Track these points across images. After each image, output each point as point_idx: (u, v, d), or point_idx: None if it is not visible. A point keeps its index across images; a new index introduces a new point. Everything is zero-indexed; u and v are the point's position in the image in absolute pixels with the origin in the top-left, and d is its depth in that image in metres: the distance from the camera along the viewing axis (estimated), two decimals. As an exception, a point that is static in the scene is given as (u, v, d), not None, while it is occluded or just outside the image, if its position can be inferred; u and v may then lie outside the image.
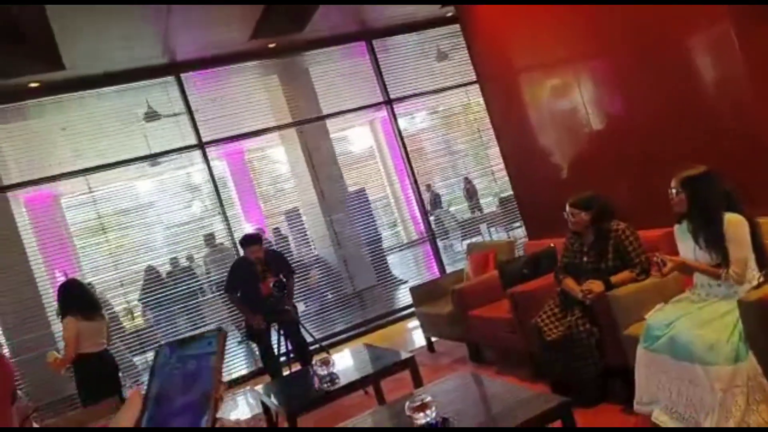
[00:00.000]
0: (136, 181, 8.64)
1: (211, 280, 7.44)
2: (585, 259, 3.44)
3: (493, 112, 5.62)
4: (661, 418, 2.70)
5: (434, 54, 7.71)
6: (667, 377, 2.68)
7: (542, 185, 5.22)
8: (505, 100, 5.42)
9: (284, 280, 5.00)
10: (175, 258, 7.49)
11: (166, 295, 6.86)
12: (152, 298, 6.92)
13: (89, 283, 6.32)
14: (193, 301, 6.99)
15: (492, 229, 9.04)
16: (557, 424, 2.37)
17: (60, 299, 4.35)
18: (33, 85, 5.61)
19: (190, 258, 8.33)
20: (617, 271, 3.30)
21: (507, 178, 5.98)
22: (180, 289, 6.92)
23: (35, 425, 3.59)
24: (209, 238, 7.35)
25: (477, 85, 5.96)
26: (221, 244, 7.33)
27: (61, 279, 7.37)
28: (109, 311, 6.43)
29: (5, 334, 5.87)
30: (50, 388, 5.88)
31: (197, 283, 7.32)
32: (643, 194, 4.21)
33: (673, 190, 2.87)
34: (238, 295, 5.10)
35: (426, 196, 7.85)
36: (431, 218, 7.98)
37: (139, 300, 7.13)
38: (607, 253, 3.36)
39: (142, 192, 9.01)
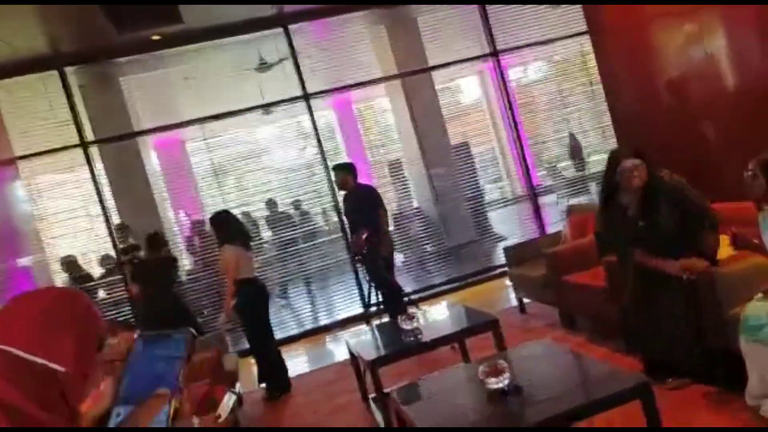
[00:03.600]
0: (251, 128, 9.11)
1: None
2: (640, 223, 3.04)
3: (602, 64, 5.19)
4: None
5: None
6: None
7: (652, 146, 4.78)
8: (617, 50, 4.96)
9: (365, 236, 5.02)
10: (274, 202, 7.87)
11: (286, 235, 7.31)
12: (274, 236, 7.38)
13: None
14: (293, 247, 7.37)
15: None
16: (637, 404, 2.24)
17: (220, 228, 4.72)
18: (155, 38, 6.01)
19: (297, 203, 8.75)
20: (680, 231, 2.93)
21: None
22: (282, 233, 7.33)
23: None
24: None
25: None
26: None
27: (185, 219, 8.08)
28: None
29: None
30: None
31: (299, 229, 7.70)
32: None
33: (750, 173, 2.51)
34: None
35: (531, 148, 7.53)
36: (537, 174, 7.67)
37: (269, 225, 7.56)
38: (658, 211, 2.96)
39: (257, 139, 9.49)
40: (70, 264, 6.46)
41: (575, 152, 8.81)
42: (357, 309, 6.59)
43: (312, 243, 7.53)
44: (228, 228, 4.71)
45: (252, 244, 4.99)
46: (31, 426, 0.91)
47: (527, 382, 2.46)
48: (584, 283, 4.08)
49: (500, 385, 2.42)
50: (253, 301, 4.65)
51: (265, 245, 7.54)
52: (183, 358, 0.63)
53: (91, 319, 1.09)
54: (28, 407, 0.93)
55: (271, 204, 7.54)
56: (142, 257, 5.37)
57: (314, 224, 8.60)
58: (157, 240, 5.28)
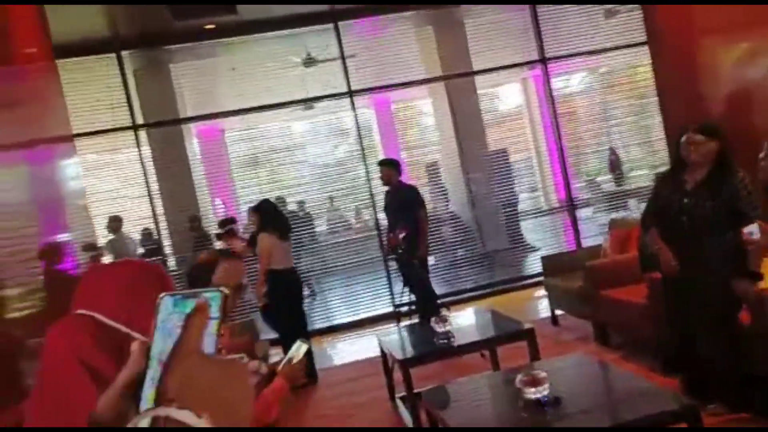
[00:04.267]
0: (290, 122, 9.22)
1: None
2: (685, 200, 2.96)
3: (660, 77, 5.08)
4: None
5: (601, 10, 7.09)
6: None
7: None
8: (679, 64, 4.86)
9: (402, 235, 5.00)
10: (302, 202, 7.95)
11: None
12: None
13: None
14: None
15: (643, 205, 8.35)
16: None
17: (260, 216, 4.80)
18: (209, 27, 6.12)
19: (330, 199, 8.81)
20: (720, 227, 2.86)
21: (666, 151, 5.45)
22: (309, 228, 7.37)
23: None
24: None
25: (645, 47, 5.40)
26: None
27: (220, 206, 8.22)
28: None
29: (173, 248, 6.70)
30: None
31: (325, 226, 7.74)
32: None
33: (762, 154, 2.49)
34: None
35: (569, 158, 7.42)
36: (574, 186, 7.58)
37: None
38: (718, 197, 2.87)
39: (295, 132, 9.60)
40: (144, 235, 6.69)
41: (614, 166, 8.67)
42: (387, 307, 6.60)
43: (345, 239, 7.57)
44: (265, 217, 4.78)
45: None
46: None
47: (564, 394, 2.43)
48: (623, 298, 4.01)
49: (538, 395, 2.40)
50: (283, 292, 4.67)
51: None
52: (218, 318, 0.58)
53: (167, 290, 1.13)
54: (114, 375, 0.97)
55: (280, 201, 7.59)
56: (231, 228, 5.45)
57: (342, 222, 8.67)
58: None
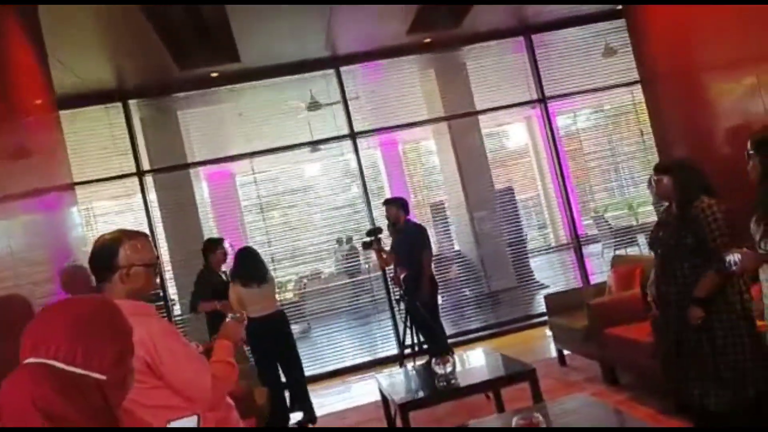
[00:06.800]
0: (298, 165, 9.33)
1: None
2: (661, 233, 3.02)
3: (655, 116, 5.11)
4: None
5: (599, 50, 7.20)
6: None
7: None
8: (673, 103, 4.89)
9: (403, 276, 4.95)
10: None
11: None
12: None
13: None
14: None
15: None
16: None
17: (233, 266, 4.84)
18: (213, 75, 6.29)
19: (349, 240, 8.84)
20: (692, 252, 2.84)
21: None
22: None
23: None
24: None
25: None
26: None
27: (229, 249, 8.26)
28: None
29: (179, 294, 6.69)
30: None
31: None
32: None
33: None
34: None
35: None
36: (582, 223, 7.53)
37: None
38: (683, 229, 2.88)
39: (303, 175, 9.70)
40: None
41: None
42: (393, 349, 6.51)
43: (351, 280, 7.54)
44: (234, 266, 4.77)
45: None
46: None
47: (563, 437, 2.36)
48: (629, 337, 3.92)
49: (534, 439, 2.33)
50: (262, 340, 4.58)
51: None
52: None
53: (126, 325, 1.13)
54: (78, 419, 0.96)
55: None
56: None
57: (351, 263, 8.67)
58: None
